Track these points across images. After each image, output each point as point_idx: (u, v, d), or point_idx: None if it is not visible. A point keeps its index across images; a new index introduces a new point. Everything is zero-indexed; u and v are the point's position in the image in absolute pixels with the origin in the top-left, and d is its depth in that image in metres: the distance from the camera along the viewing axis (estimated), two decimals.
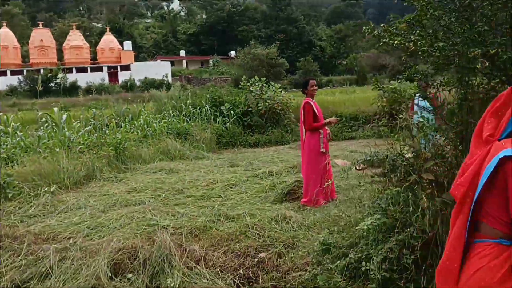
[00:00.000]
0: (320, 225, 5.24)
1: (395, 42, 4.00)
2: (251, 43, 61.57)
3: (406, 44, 3.96)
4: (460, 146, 3.68)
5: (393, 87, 17.28)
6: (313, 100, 7.05)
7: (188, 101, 18.25)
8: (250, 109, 17.63)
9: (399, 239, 3.35)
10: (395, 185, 4.12)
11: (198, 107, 17.88)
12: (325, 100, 21.31)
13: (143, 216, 6.14)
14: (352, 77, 71.04)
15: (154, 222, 5.75)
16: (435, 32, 3.94)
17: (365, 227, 3.61)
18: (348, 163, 10.69)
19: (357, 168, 4.38)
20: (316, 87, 7.04)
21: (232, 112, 17.59)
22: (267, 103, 17.52)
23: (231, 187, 8.44)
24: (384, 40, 4.13)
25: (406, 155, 3.94)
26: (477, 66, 3.55)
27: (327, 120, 7.10)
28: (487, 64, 3.45)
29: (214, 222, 5.73)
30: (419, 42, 3.83)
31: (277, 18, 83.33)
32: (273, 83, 18.83)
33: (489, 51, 3.44)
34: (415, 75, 4.39)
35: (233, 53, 73.40)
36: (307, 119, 6.84)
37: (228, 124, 17.18)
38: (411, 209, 3.48)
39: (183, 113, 17.61)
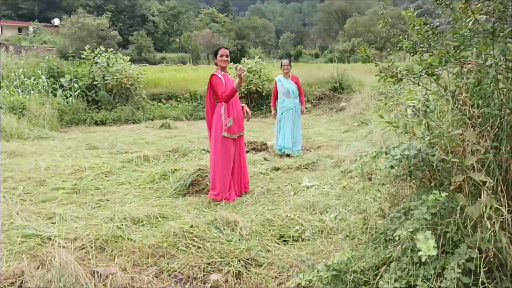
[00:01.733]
0: (276, 231, 4.14)
1: None
2: (78, 11, 56.72)
3: None
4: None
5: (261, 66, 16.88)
6: (223, 73, 5.86)
7: (21, 70, 15.42)
8: (95, 82, 15.63)
9: (459, 263, 2.49)
10: (418, 187, 3.29)
11: (33, 78, 15.21)
12: (178, 77, 19.99)
13: (11, 223, 4.40)
14: (186, 55, 70.13)
15: (32, 232, 4.09)
16: None
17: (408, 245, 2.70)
18: (270, 142, 9.81)
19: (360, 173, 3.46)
20: (228, 58, 5.82)
21: (75, 85, 15.36)
22: (115, 77, 15.67)
23: (106, 176, 6.88)
24: None
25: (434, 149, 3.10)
26: None
27: (236, 81, 5.78)
28: None
29: (120, 228, 4.29)
30: None
31: None
32: (121, 55, 16.95)
33: None
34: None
35: (57, 21, 66.89)
36: (218, 91, 5.62)
37: (70, 98, 14.95)
38: (466, 221, 2.67)
39: (14, 83, 14.81)
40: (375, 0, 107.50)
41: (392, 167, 3.11)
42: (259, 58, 17.67)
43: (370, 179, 6.19)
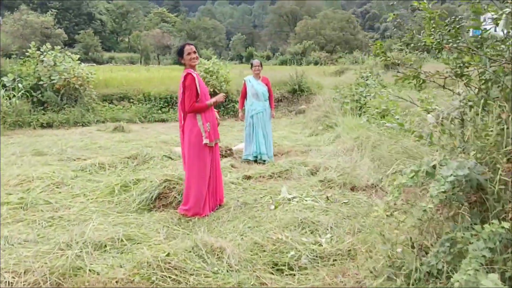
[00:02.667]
0: (268, 258, 3.53)
1: None
2: (21, 8, 54.23)
3: None
4: None
5: (207, 66, 16.26)
6: (196, 72, 5.23)
7: None
8: (41, 82, 14.58)
9: None
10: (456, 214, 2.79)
11: None
12: (130, 77, 19.06)
13: None
14: (135, 55, 68.57)
15: None
16: None
17: None
18: (236, 147, 9.16)
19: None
20: (196, 56, 5.20)
21: (19, 85, 14.25)
22: (63, 76, 14.68)
23: (57, 187, 6.10)
24: None
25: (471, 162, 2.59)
26: None
27: (214, 99, 5.37)
28: None
29: (79, 256, 3.58)
30: None
31: None
32: (69, 53, 15.93)
33: None
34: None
35: None
36: (188, 97, 5.00)
37: (13, 99, 13.86)
38: None
39: None
40: (325, 1, 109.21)
41: (444, 192, 2.57)
42: (216, 58, 17.07)
43: (352, 189, 5.75)
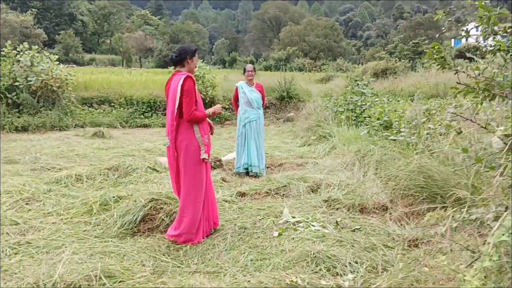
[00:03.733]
0: None
1: None
2: (0, 7, 52.92)
3: None
4: None
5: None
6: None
7: None
8: (17, 83, 13.76)
9: None
10: None
11: None
12: (112, 80, 18.26)
13: None
14: (117, 57, 67.51)
15: None
16: None
17: None
18: (226, 157, 8.50)
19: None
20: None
21: None
22: (40, 78, 13.90)
23: (26, 204, 5.38)
24: None
25: None
26: None
27: (211, 109, 4.73)
28: None
29: None
30: None
31: None
32: (47, 54, 15.12)
33: None
34: None
35: None
36: (188, 103, 4.32)
37: None
38: None
39: None
40: (308, 5, 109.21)
41: None
42: (202, 62, 16.42)
43: (361, 211, 5.15)
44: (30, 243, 4.14)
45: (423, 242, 4.00)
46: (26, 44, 14.72)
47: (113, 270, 3.42)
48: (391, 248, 3.92)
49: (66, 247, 4.04)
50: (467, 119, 3.50)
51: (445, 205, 4.31)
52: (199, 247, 4.19)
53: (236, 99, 7.93)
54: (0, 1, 57.78)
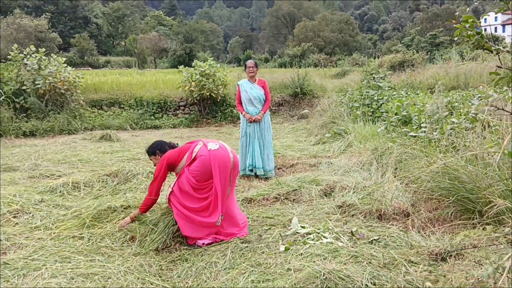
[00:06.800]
0: None
1: None
2: (15, 12, 53.31)
3: None
4: None
5: (203, 68, 15.17)
6: None
7: None
8: (24, 87, 13.46)
9: None
10: None
11: None
12: (122, 81, 17.92)
13: None
14: (131, 59, 67.47)
15: None
16: None
17: None
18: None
19: None
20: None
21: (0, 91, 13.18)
22: (47, 81, 13.59)
23: (14, 217, 4.96)
24: None
25: None
26: None
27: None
28: None
29: None
30: None
31: None
32: (55, 56, 14.81)
33: None
34: None
35: None
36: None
37: None
38: None
39: None
40: (323, 1, 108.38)
41: None
42: (213, 60, 15.95)
43: (380, 218, 4.62)
44: (8, 264, 3.71)
45: (451, 256, 3.46)
46: (33, 47, 14.42)
47: None
48: (415, 263, 3.38)
49: (47, 267, 3.60)
50: (499, 109, 2.95)
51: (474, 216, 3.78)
52: (195, 265, 3.71)
53: (239, 99, 7.45)
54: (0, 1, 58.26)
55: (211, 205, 4.19)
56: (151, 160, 4.72)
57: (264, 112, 7.28)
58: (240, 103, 7.39)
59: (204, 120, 15.53)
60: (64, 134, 12.98)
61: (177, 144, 4.71)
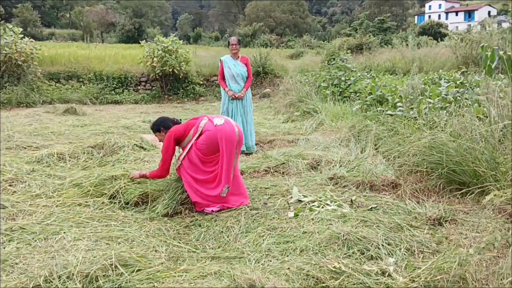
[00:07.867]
0: None
1: None
2: None
3: None
4: None
5: (166, 44, 15.06)
6: None
7: None
8: None
9: None
10: None
11: None
12: (80, 55, 17.48)
13: None
14: (77, 32, 65.26)
15: None
16: None
17: None
18: None
19: None
20: None
21: None
22: (4, 51, 13.15)
23: (10, 185, 4.94)
24: None
25: None
26: None
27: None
28: None
29: None
30: None
31: None
32: (10, 26, 14.31)
33: None
34: None
35: None
36: None
37: None
38: None
39: None
40: None
41: None
42: (175, 36, 15.85)
43: (371, 189, 4.95)
44: (24, 228, 3.75)
45: (446, 221, 3.83)
46: None
47: (126, 258, 3.09)
48: (417, 227, 3.72)
49: (65, 232, 3.68)
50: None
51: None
52: (211, 229, 3.90)
53: (222, 75, 7.56)
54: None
55: (217, 177, 4.37)
56: (156, 136, 4.82)
57: (246, 89, 7.44)
58: (223, 78, 7.50)
59: (166, 96, 15.48)
60: (23, 107, 12.68)
61: (180, 120, 4.82)
